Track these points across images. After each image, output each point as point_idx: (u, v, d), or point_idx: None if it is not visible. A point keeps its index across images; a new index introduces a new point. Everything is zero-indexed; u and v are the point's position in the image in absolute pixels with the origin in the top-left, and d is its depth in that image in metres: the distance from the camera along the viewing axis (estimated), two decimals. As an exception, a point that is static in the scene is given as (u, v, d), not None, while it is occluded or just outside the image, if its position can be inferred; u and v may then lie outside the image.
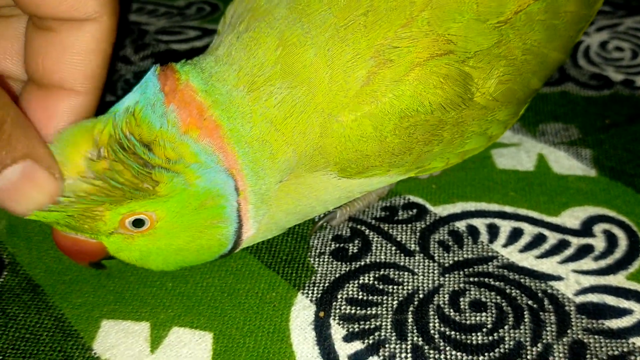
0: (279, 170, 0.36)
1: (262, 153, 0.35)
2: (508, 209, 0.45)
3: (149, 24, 0.68)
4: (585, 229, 0.44)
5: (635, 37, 0.60)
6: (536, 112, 0.53)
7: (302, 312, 0.40)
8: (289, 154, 0.36)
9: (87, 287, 0.42)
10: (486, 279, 0.41)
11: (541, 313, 0.39)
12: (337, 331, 0.39)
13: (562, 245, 0.43)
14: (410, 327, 0.38)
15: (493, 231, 0.44)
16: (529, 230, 0.44)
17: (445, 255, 0.43)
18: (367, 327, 0.39)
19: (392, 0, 0.35)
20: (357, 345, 0.38)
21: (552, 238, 0.43)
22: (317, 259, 0.43)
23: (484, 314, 0.39)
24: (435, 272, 0.42)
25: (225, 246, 0.38)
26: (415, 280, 0.41)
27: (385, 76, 0.35)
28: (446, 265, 0.42)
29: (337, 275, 0.42)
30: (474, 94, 0.37)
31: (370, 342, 0.38)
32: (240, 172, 0.35)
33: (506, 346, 0.37)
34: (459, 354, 0.37)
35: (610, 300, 0.39)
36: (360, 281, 0.41)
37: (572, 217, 0.44)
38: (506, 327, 0.38)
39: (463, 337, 0.38)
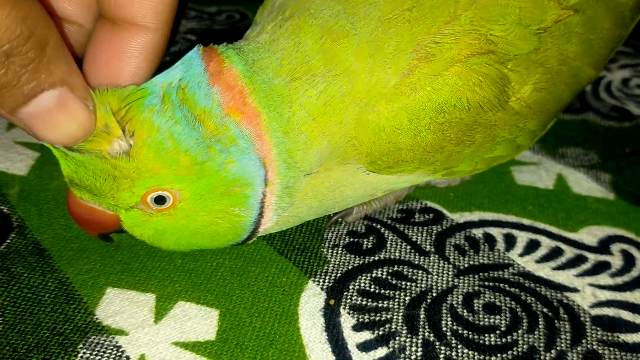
0: (310, 162, 0.36)
1: (296, 144, 0.35)
2: (526, 221, 0.45)
3: (179, 24, 0.69)
4: (603, 247, 0.43)
5: (656, 77, 0.61)
6: (556, 137, 0.53)
7: (312, 299, 0.39)
8: (323, 145, 0.36)
9: (95, 255, 0.41)
10: (501, 284, 0.40)
11: (556, 321, 0.38)
12: (347, 320, 0.38)
13: (579, 260, 0.42)
14: (422, 323, 0.37)
15: (510, 240, 0.43)
16: (546, 243, 0.43)
17: (461, 258, 0.42)
18: (377, 318, 0.38)
19: None
20: (367, 335, 0.37)
21: (569, 252, 0.43)
22: (330, 250, 0.42)
23: (497, 316, 0.38)
24: (450, 273, 0.41)
25: (241, 235, 0.38)
26: (429, 279, 0.40)
27: (425, 70, 0.35)
28: (461, 267, 0.41)
29: (349, 267, 0.41)
30: (509, 97, 0.37)
31: (380, 333, 0.37)
32: (272, 163, 0.35)
33: (519, 349, 0.36)
34: (470, 352, 0.36)
35: (627, 315, 0.38)
36: (374, 274, 0.40)
37: (590, 235, 0.44)
38: (520, 331, 0.37)
39: (476, 336, 0.37)
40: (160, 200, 0.35)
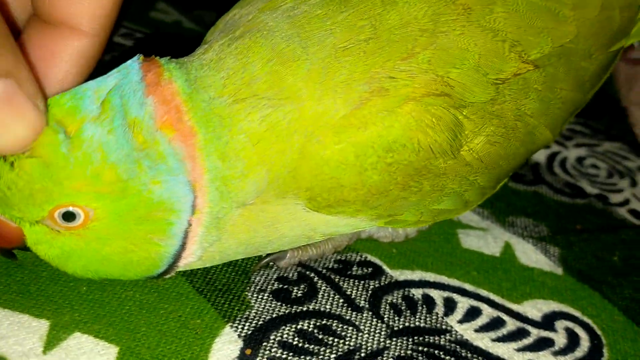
0: (246, 192, 0.33)
1: (232, 171, 0.32)
2: (468, 286, 0.42)
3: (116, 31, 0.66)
4: (547, 322, 0.40)
5: (612, 160, 0.60)
6: (508, 204, 0.51)
7: (226, 346, 0.35)
8: (261, 174, 0.33)
9: (-10, 271, 0.36)
10: (436, 351, 0.37)
11: (491, 397, 0.35)
12: (262, 373, 0.34)
13: (520, 333, 0.39)
14: (345, 385, 0.34)
15: (450, 305, 0.40)
16: (488, 312, 0.40)
17: (396, 318, 0.38)
18: (296, 375, 0.34)
19: (395, 33, 0.34)
20: (282, 392, 0.33)
21: (511, 324, 0.40)
22: (255, 295, 0.38)
23: (428, 386, 0.35)
24: (383, 333, 0.37)
25: (157, 268, 0.34)
26: (359, 337, 0.37)
27: (377, 104, 0.33)
28: (395, 328, 0.38)
29: (273, 315, 0.37)
30: (462, 146, 0.35)
31: (297, 391, 0.33)
32: (203, 189, 0.32)
33: None
34: (394, 422, 0.32)
35: (567, 398, 0.36)
36: (299, 326, 0.37)
37: (534, 309, 0.41)
38: (451, 404, 0.34)
39: (402, 405, 0.33)
40: (68, 217, 0.31)
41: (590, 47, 0.39)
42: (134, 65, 0.32)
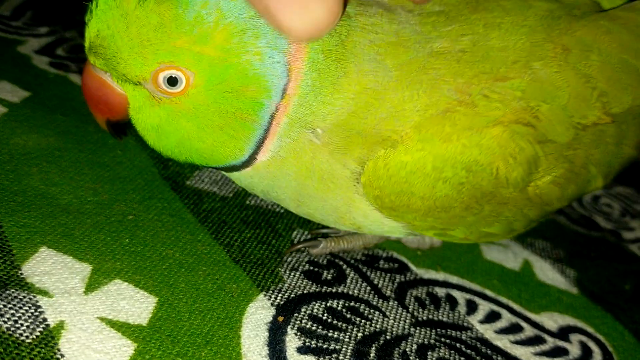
0: (330, 106, 0.33)
1: (329, 75, 0.32)
2: (489, 292, 0.43)
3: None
4: (562, 333, 0.42)
5: (625, 202, 0.62)
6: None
7: (259, 311, 0.36)
8: (345, 106, 0.33)
9: (37, 213, 0.37)
10: (458, 344, 0.38)
11: (509, 391, 0.36)
12: (292, 339, 0.34)
13: (538, 340, 0.40)
14: (371, 361, 0.35)
15: (471, 306, 0.41)
16: (508, 317, 0.41)
17: (421, 310, 0.40)
18: (325, 346, 0.35)
19: (491, 54, 0.34)
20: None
21: (529, 331, 0.41)
22: (287, 272, 0.39)
23: (450, 373, 0.36)
24: (407, 321, 0.38)
25: (242, 153, 0.34)
26: (385, 322, 0.38)
27: (465, 119, 0.33)
28: (419, 319, 0.39)
29: (304, 292, 0.38)
30: (531, 181, 0.36)
31: (326, 360, 0.34)
32: (298, 75, 0.32)
33: (469, 408, 0.33)
34: (418, 400, 0.33)
35: (581, 402, 0.37)
36: (329, 304, 0.38)
37: (550, 320, 0.43)
38: (472, 392, 0.35)
39: (425, 386, 0.34)
40: (172, 81, 0.31)
41: None
42: None
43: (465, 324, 0.40)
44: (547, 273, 0.47)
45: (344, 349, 0.35)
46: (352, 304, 0.38)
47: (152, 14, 0.30)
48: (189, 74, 0.31)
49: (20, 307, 0.31)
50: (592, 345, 0.41)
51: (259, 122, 0.33)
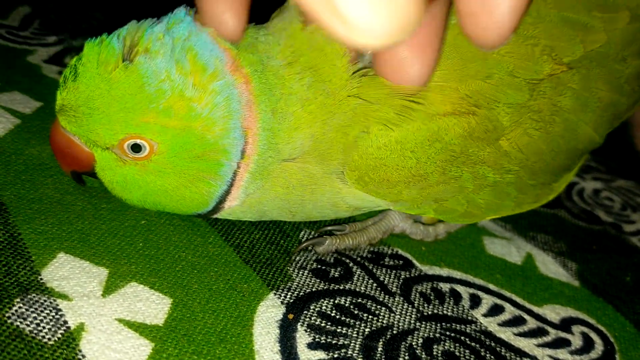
0: (291, 147, 0.36)
1: (282, 125, 0.35)
2: (492, 287, 0.44)
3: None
4: (564, 325, 0.43)
5: (626, 195, 0.63)
6: (529, 222, 0.54)
7: (270, 309, 0.37)
8: (307, 135, 0.36)
9: (54, 219, 0.39)
10: (462, 337, 0.39)
11: (513, 382, 0.37)
12: (303, 336, 0.36)
13: (540, 332, 0.41)
14: (379, 355, 0.36)
15: (475, 300, 0.43)
16: (511, 310, 0.43)
17: (426, 305, 0.41)
18: (334, 342, 0.36)
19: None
20: (321, 355, 0.35)
21: (532, 323, 0.42)
22: (296, 271, 0.41)
23: (455, 365, 0.37)
24: (413, 316, 0.40)
25: (206, 206, 0.38)
26: (391, 317, 0.39)
27: (419, 107, 0.36)
28: (425, 313, 0.40)
29: (313, 290, 0.39)
30: (499, 137, 0.37)
31: (335, 356, 0.35)
32: (254, 136, 0.35)
33: (474, 399, 0.35)
34: (425, 392, 0.34)
35: (583, 391, 0.38)
36: (337, 301, 0.39)
37: (553, 312, 0.44)
38: (477, 383, 0.36)
39: (432, 378, 0.35)
40: (136, 148, 0.35)
41: (623, 52, 0.41)
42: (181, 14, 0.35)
43: (469, 318, 0.41)
44: (549, 266, 0.49)
45: (352, 344, 0.36)
46: (359, 300, 0.40)
47: (120, 91, 0.33)
48: (152, 143, 0.35)
49: (42, 311, 0.32)
50: (593, 336, 0.43)
51: (222, 179, 0.36)
